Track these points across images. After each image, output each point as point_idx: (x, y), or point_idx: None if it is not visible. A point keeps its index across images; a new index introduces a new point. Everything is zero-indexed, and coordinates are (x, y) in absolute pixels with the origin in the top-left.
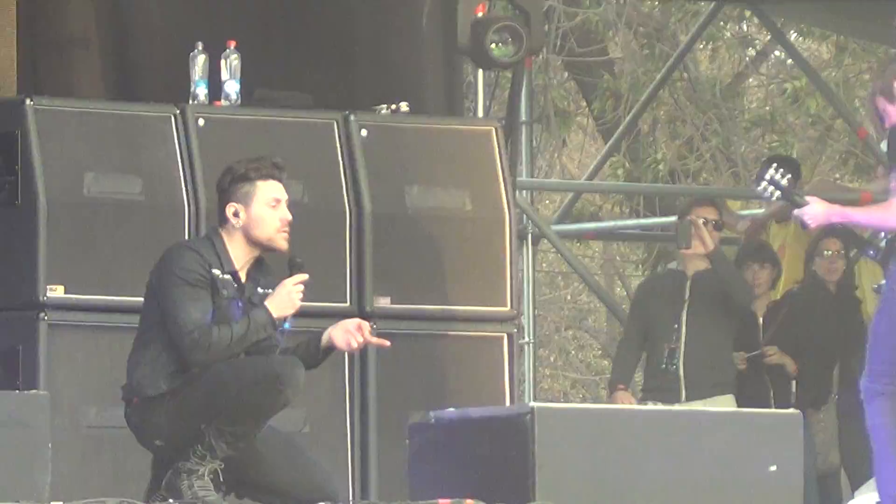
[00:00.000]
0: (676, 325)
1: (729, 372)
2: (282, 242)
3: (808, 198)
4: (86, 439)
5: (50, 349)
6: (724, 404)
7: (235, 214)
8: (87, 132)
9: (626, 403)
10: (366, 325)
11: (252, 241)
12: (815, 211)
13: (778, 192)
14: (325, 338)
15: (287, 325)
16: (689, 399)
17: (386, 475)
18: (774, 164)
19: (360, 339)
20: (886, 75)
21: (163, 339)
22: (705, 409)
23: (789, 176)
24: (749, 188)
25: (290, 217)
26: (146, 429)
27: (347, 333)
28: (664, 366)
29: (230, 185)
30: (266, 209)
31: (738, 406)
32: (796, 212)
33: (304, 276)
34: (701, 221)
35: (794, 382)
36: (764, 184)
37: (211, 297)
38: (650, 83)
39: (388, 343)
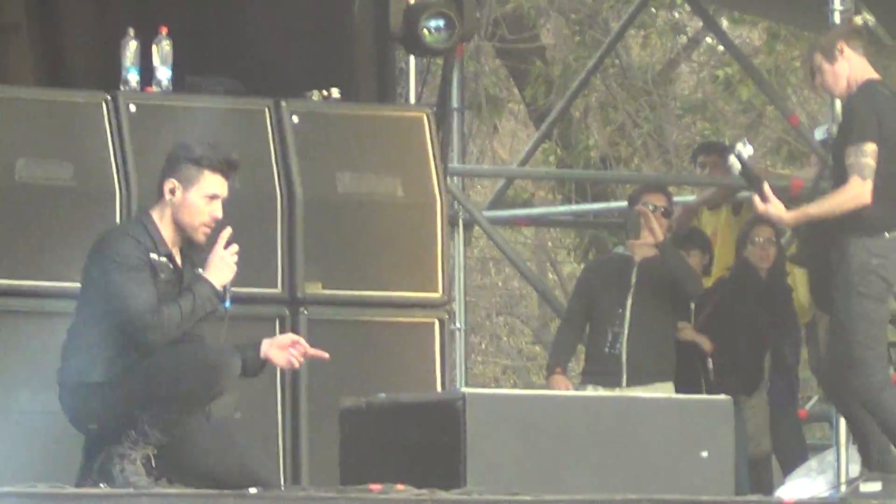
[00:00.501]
0: (621, 310)
1: (670, 360)
2: (200, 237)
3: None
4: (17, 425)
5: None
6: (663, 391)
7: (172, 192)
8: (18, 118)
9: (562, 388)
10: (301, 339)
11: (176, 223)
12: (779, 215)
13: (739, 167)
14: (262, 351)
15: (229, 304)
16: (629, 385)
17: (317, 461)
18: (744, 139)
19: (300, 358)
20: (831, 35)
21: (103, 324)
22: (636, 395)
23: (752, 154)
24: (680, 174)
25: (220, 216)
26: (82, 413)
27: (286, 351)
28: (607, 350)
29: (178, 162)
30: (202, 200)
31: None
32: (762, 210)
33: (229, 235)
34: (650, 209)
35: (709, 361)
36: (732, 157)
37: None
38: (582, 70)
39: (326, 356)
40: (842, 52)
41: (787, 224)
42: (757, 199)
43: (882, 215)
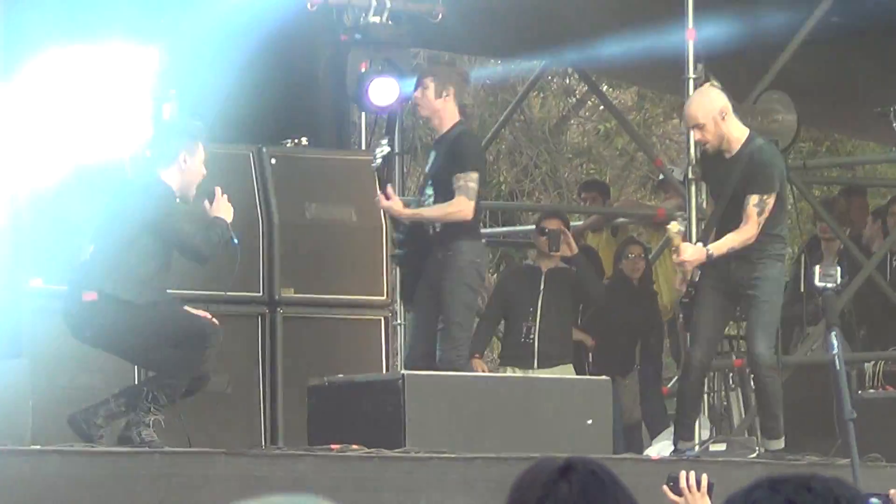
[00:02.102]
0: (532, 309)
1: (569, 347)
2: (194, 192)
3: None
4: (59, 398)
5: (32, 326)
6: (566, 372)
7: (184, 160)
8: None
9: (480, 369)
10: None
11: (182, 183)
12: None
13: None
14: None
15: (236, 241)
16: (539, 367)
17: (290, 427)
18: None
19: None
20: (443, 70)
21: (148, 251)
22: (538, 376)
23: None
24: (570, 205)
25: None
26: (96, 323)
27: None
28: (522, 339)
29: (184, 137)
30: (201, 167)
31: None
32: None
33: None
34: (547, 230)
35: (590, 354)
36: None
37: None
38: (494, 123)
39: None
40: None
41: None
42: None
43: None
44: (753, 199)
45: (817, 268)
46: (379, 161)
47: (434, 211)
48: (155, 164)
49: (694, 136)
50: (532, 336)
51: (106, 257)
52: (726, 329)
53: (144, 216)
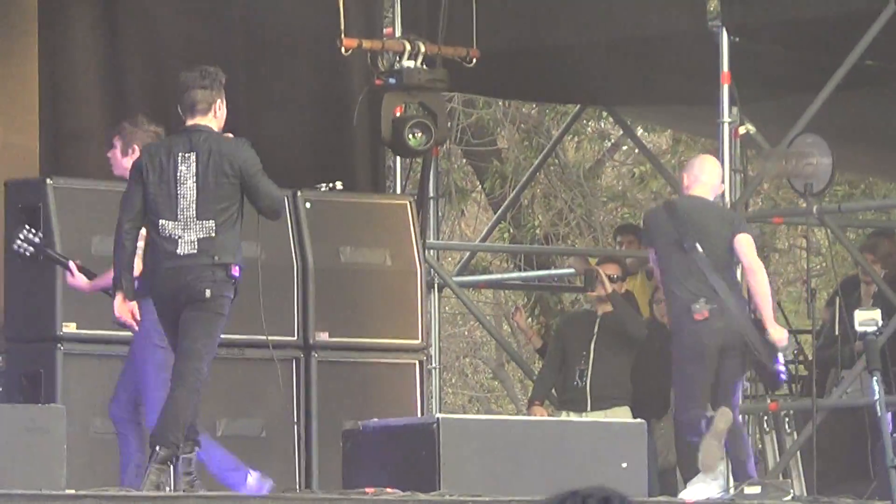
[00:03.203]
0: (585, 353)
1: (626, 389)
2: None
3: None
4: (93, 442)
5: (65, 372)
6: (621, 414)
7: (219, 107)
8: (94, 204)
9: (541, 415)
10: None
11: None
12: None
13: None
14: None
15: None
16: (593, 409)
17: (325, 471)
18: (27, 226)
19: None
20: (129, 130)
21: (239, 215)
22: (572, 419)
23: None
24: (605, 249)
25: None
26: (207, 279)
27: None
28: (575, 383)
29: (221, 85)
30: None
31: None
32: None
33: None
34: (604, 273)
35: None
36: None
37: None
38: (529, 167)
39: None
40: None
41: None
42: None
43: None
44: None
45: (857, 312)
46: None
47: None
48: (197, 113)
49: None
50: (585, 379)
51: (218, 226)
52: None
53: (236, 168)
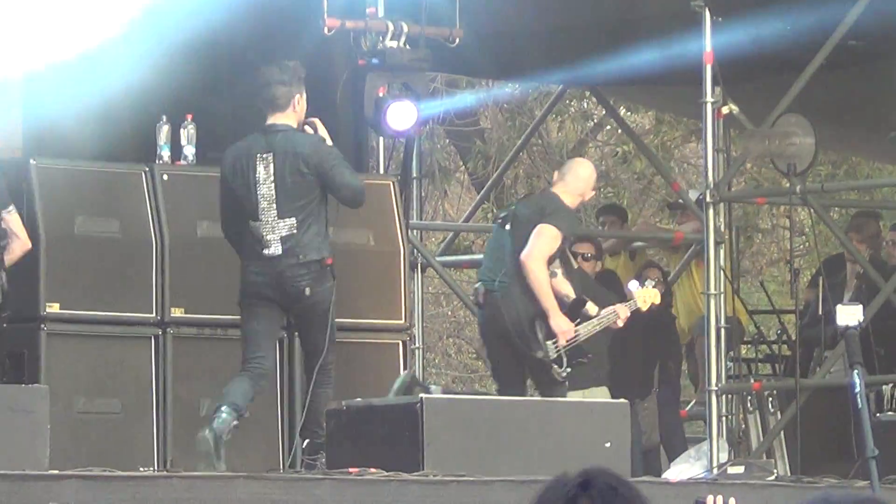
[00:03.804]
0: None
1: (603, 368)
2: None
3: None
4: (76, 422)
5: (49, 352)
6: (599, 394)
7: (298, 102)
8: (77, 185)
9: None
10: None
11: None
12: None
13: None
14: None
15: None
16: (571, 389)
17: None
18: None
19: None
20: None
21: (321, 209)
22: (555, 399)
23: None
24: (588, 229)
25: None
26: (304, 278)
27: None
28: None
29: (301, 80)
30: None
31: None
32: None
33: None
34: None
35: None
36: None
37: None
38: (512, 147)
39: None
40: None
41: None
42: None
43: None
44: None
45: (839, 307)
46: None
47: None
48: (277, 109)
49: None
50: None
51: (300, 223)
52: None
53: (314, 169)
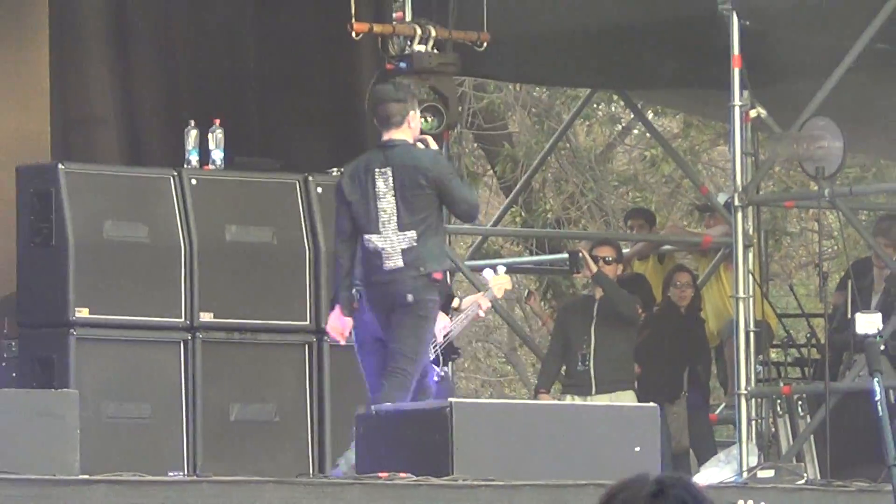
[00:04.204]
0: (587, 337)
1: (629, 372)
2: None
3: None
4: (105, 427)
5: (78, 357)
6: (626, 399)
7: (413, 119)
8: (105, 189)
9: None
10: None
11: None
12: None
13: None
14: None
15: None
16: (598, 393)
17: (338, 455)
18: None
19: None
20: None
21: (439, 222)
22: (585, 403)
23: None
24: (616, 232)
25: None
26: (417, 291)
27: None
28: (579, 367)
29: (414, 96)
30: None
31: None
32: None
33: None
34: (603, 260)
35: (636, 381)
36: None
37: None
38: (540, 151)
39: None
40: None
41: None
42: None
43: None
44: None
45: (858, 315)
46: None
47: None
48: (392, 126)
49: None
50: (587, 363)
51: (420, 237)
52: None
53: (430, 180)
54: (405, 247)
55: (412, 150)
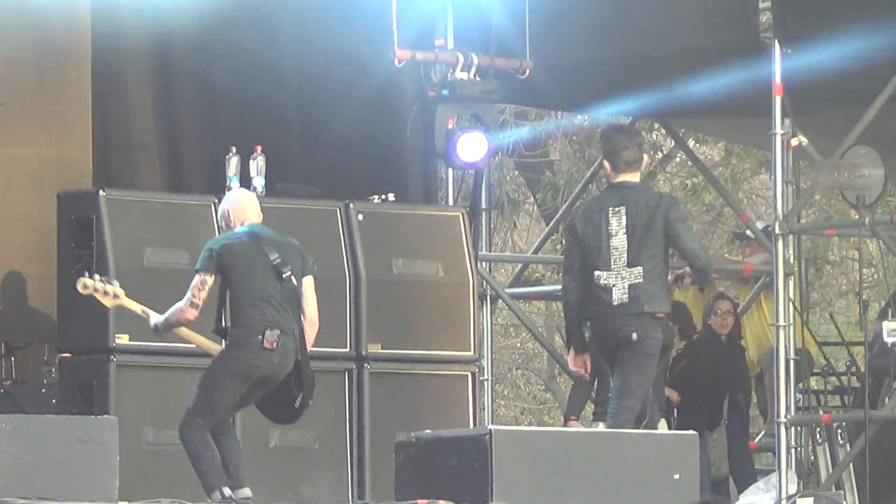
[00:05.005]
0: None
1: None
2: None
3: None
4: (145, 454)
5: (118, 383)
6: (659, 427)
7: (648, 163)
8: (146, 216)
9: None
10: None
11: None
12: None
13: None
14: None
15: None
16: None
17: (378, 481)
18: None
19: None
20: None
21: (665, 266)
22: (626, 431)
23: None
24: None
25: None
26: (649, 335)
27: None
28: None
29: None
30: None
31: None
32: None
33: None
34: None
35: (675, 410)
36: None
37: None
38: (581, 179)
39: None
40: None
41: None
42: None
43: None
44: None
45: (885, 323)
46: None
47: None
48: (631, 169)
49: None
50: None
51: (646, 272)
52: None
53: (667, 222)
54: (632, 282)
55: (645, 191)
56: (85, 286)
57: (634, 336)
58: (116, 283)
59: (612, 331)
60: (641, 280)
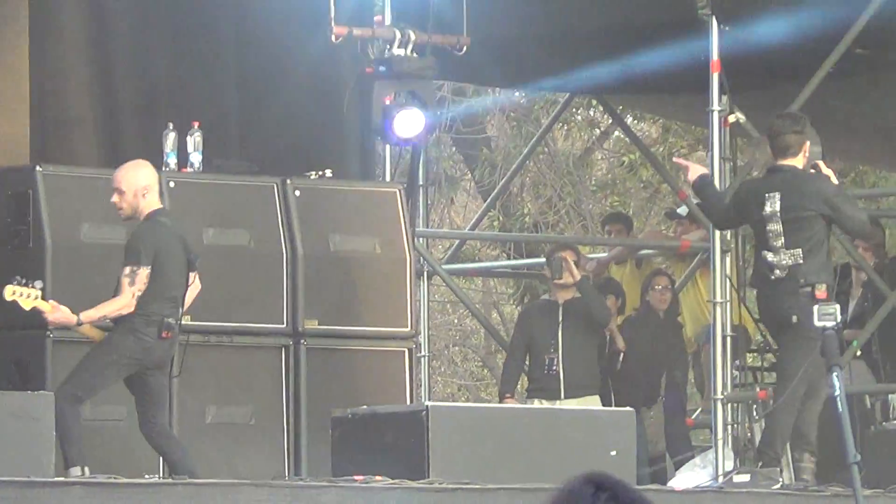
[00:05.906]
0: (554, 341)
1: (596, 377)
2: None
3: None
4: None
5: (54, 359)
6: (592, 403)
7: (807, 148)
8: (83, 192)
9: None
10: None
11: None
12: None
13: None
14: None
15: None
16: (566, 397)
17: (314, 457)
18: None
19: None
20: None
21: (825, 239)
22: (561, 407)
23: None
24: (594, 237)
25: None
26: (801, 317)
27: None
28: (546, 371)
29: (809, 127)
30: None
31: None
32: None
33: None
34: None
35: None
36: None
37: None
38: (519, 155)
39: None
40: None
41: None
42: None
43: None
44: (124, 269)
45: (815, 307)
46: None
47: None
48: (788, 154)
49: (113, 197)
50: (556, 367)
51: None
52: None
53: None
54: (791, 262)
55: (798, 175)
56: (13, 293)
57: (795, 319)
58: (38, 284)
59: (773, 310)
60: (801, 262)
